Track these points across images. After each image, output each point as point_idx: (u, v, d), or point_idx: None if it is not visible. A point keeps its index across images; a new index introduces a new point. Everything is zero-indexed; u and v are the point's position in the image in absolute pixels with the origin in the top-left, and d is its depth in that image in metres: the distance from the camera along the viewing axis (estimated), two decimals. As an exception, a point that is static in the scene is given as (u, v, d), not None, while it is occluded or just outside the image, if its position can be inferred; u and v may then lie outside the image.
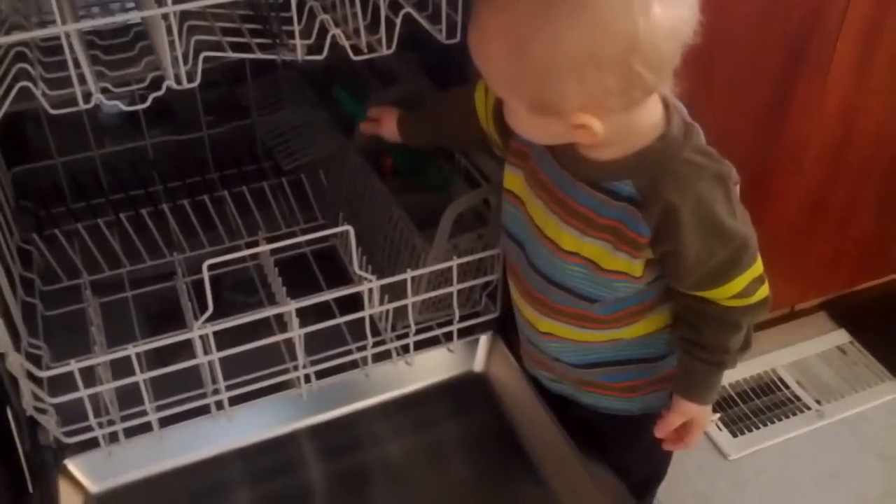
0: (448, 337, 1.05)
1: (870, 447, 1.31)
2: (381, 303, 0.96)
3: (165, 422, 0.96)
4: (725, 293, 0.79)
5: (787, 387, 1.39)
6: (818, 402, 1.37)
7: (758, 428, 1.32)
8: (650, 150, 0.73)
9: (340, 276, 1.11)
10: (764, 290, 0.81)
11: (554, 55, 0.65)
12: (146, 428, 0.93)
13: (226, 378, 0.95)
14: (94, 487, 0.96)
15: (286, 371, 0.98)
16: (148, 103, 0.81)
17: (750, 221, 0.78)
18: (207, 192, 1.22)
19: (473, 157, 1.05)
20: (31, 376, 0.87)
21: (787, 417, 1.35)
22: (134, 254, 1.15)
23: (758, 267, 0.79)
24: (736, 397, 1.37)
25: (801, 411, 1.36)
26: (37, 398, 0.88)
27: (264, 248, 0.96)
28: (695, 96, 0.76)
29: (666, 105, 0.74)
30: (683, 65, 0.68)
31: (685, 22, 0.66)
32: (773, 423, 1.33)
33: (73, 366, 0.84)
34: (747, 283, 0.79)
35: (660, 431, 0.88)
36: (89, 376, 0.90)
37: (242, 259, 1.07)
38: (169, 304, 1.04)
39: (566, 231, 0.79)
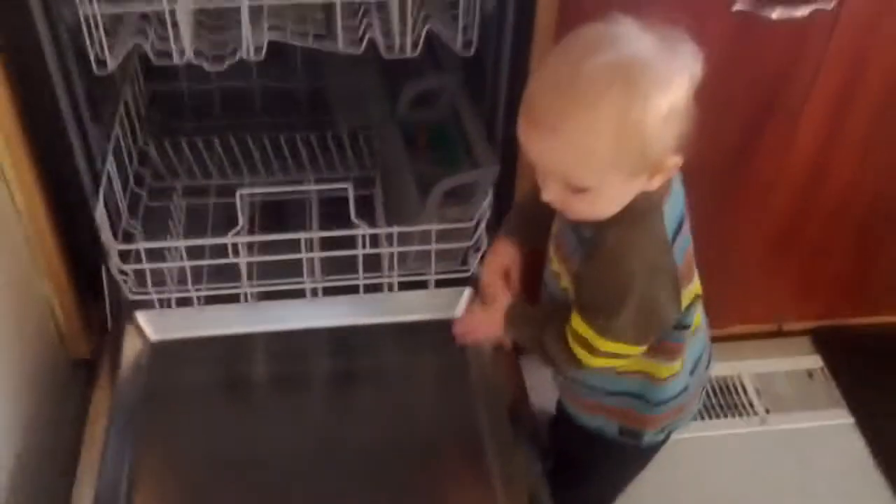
0: (437, 284, 1.33)
1: (797, 457, 1.48)
2: (385, 246, 1.26)
3: (209, 300, 1.30)
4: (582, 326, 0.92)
5: (745, 392, 1.58)
6: (767, 410, 1.55)
7: (702, 419, 1.53)
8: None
9: (370, 218, 1.40)
10: (583, 354, 0.93)
11: (653, 123, 0.79)
12: (190, 302, 1.28)
13: (259, 278, 1.28)
14: (153, 336, 1.30)
15: (302, 282, 1.30)
16: (224, 66, 1.14)
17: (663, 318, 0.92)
18: (289, 131, 1.52)
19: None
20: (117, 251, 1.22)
21: (732, 417, 1.54)
22: (221, 170, 1.49)
23: (613, 345, 0.91)
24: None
25: (748, 415, 1.54)
26: (120, 263, 1.23)
27: (304, 187, 1.27)
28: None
29: None
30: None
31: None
32: (717, 418, 1.53)
33: (140, 245, 1.18)
34: (598, 338, 0.91)
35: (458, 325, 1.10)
36: (160, 256, 1.26)
37: (286, 192, 1.38)
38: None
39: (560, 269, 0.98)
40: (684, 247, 0.94)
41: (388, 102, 1.43)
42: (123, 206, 1.33)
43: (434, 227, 1.22)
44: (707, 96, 1.26)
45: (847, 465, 1.48)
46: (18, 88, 1.12)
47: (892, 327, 1.64)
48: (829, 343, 1.66)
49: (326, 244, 1.28)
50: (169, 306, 1.27)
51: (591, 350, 0.92)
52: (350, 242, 1.24)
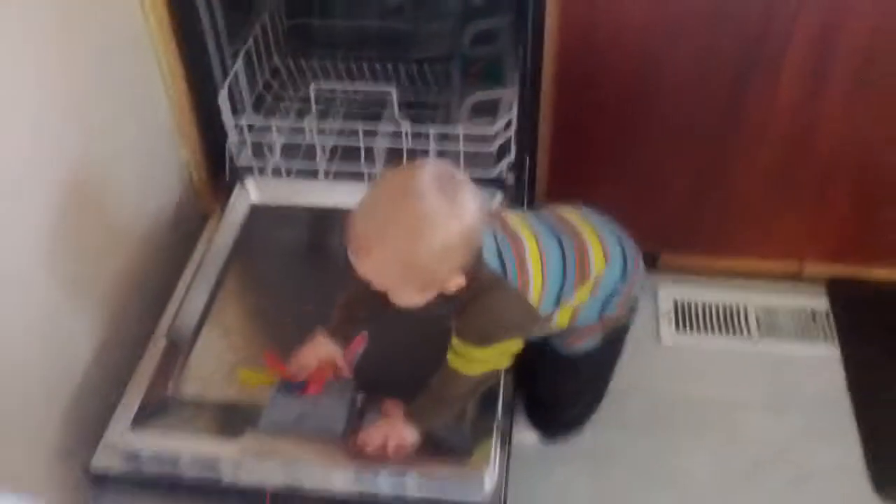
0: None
1: (779, 377, 1.68)
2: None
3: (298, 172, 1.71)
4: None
5: (745, 318, 1.78)
6: (762, 336, 1.75)
7: (699, 332, 1.75)
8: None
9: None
10: (460, 364, 1.19)
11: (430, 256, 1.06)
12: (283, 174, 1.69)
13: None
14: (254, 197, 1.73)
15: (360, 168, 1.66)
16: None
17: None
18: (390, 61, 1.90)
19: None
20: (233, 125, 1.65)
21: (727, 334, 1.75)
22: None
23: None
24: (698, 306, 1.80)
25: (742, 334, 1.75)
26: (238, 137, 1.66)
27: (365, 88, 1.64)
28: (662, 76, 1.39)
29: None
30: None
31: (480, 206, 1.09)
32: (712, 333, 1.75)
33: (244, 121, 1.60)
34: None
35: (365, 437, 1.25)
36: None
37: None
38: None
39: None
40: (565, 268, 1.21)
41: (457, 40, 1.78)
42: (247, 99, 1.76)
43: (461, 130, 1.55)
44: (694, 48, 1.54)
45: (822, 391, 1.66)
46: (175, 14, 1.57)
47: (908, 286, 1.78)
48: (840, 291, 1.82)
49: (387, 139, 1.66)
50: (265, 174, 1.70)
51: (468, 358, 1.19)
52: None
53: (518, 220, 1.24)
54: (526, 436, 1.59)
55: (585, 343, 1.36)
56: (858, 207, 1.68)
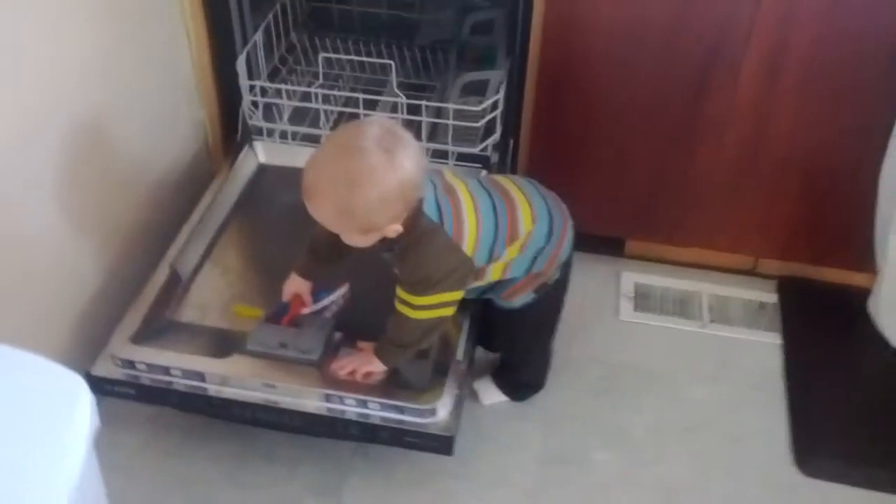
0: (458, 158, 1.82)
1: (722, 358, 1.84)
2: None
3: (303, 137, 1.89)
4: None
5: (699, 305, 1.94)
6: (712, 320, 1.91)
7: (654, 312, 1.92)
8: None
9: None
10: (406, 310, 1.36)
11: (367, 206, 1.22)
12: (286, 138, 1.87)
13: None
14: (261, 158, 1.91)
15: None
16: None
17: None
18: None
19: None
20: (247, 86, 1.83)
21: (680, 316, 1.92)
22: (339, 64, 2.07)
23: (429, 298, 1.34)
24: (657, 290, 1.97)
25: (694, 318, 1.91)
26: (250, 103, 1.84)
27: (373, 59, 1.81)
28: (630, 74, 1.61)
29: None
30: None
31: (420, 163, 1.25)
32: (666, 315, 1.92)
33: (259, 83, 1.78)
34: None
35: (338, 364, 1.44)
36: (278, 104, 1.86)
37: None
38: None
39: None
40: (497, 225, 1.37)
41: (458, 28, 1.96)
42: (263, 70, 1.94)
43: (451, 106, 1.73)
44: (659, 45, 1.70)
45: (759, 371, 1.82)
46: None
47: (853, 289, 1.91)
48: (790, 288, 1.97)
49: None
50: (272, 138, 1.88)
51: (412, 306, 1.36)
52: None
53: (457, 180, 1.40)
54: (495, 397, 1.75)
55: (520, 298, 1.51)
56: (807, 209, 1.84)
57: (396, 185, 1.23)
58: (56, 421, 0.93)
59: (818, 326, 1.90)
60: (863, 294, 1.83)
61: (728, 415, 1.73)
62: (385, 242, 1.32)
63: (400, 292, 1.38)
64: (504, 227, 1.39)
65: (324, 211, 1.27)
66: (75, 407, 0.95)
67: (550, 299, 1.57)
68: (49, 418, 0.93)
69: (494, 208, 1.39)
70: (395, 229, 1.29)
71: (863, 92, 1.66)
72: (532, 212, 1.42)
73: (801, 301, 1.95)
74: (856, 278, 1.90)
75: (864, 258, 1.77)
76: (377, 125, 1.25)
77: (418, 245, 1.32)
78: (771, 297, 1.97)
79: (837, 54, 1.62)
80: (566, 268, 1.54)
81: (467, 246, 1.35)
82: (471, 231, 1.35)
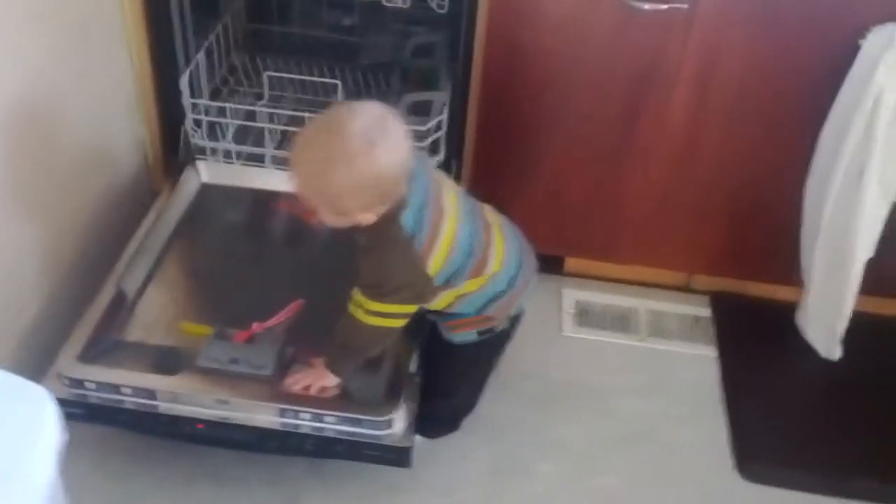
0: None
1: (660, 370, 1.90)
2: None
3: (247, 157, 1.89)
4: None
5: (637, 320, 2.00)
6: (649, 334, 1.97)
7: (595, 327, 1.97)
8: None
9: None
10: (359, 314, 1.35)
11: (339, 188, 1.22)
12: (230, 157, 1.87)
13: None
14: (204, 177, 1.90)
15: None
16: None
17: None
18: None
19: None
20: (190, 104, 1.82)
21: (620, 331, 1.98)
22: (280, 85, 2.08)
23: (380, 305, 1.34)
24: (597, 306, 2.03)
25: (632, 333, 1.97)
26: (192, 122, 1.84)
27: (320, 78, 1.83)
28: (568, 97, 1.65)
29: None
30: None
31: (401, 160, 1.24)
32: (607, 330, 1.97)
33: (200, 101, 1.78)
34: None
35: (291, 379, 1.43)
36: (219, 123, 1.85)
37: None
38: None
39: None
40: (470, 254, 1.37)
41: (399, 51, 1.99)
42: (205, 90, 1.93)
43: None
44: (591, 70, 1.76)
45: (696, 383, 1.89)
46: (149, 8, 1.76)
47: (782, 304, 2.00)
48: (723, 302, 2.06)
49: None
50: (217, 158, 1.87)
51: (364, 310, 1.36)
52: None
53: (452, 192, 1.40)
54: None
55: (462, 334, 1.50)
56: (735, 228, 1.93)
57: (371, 176, 1.23)
58: (23, 433, 0.92)
59: (751, 338, 1.98)
60: (791, 307, 1.94)
61: (668, 425, 1.79)
62: (356, 231, 1.33)
63: (355, 294, 1.38)
64: (472, 261, 1.39)
65: (299, 181, 1.27)
66: (42, 419, 0.93)
67: (490, 347, 1.56)
68: (16, 430, 0.91)
69: (471, 238, 1.39)
70: (367, 218, 1.29)
71: (786, 118, 1.76)
72: (504, 255, 1.43)
73: (733, 315, 2.03)
74: (783, 292, 2.00)
75: (790, 273, 1.88)
76: (371, 114, 1.25)
77: (380, 249, 1.32)
78: (705, 312, 2.04)
79: (763, 84, 1.72)
80: (515, 322, 1.55)
81: (431, 264, 1.34)
82: (441, 251, 1.34)
